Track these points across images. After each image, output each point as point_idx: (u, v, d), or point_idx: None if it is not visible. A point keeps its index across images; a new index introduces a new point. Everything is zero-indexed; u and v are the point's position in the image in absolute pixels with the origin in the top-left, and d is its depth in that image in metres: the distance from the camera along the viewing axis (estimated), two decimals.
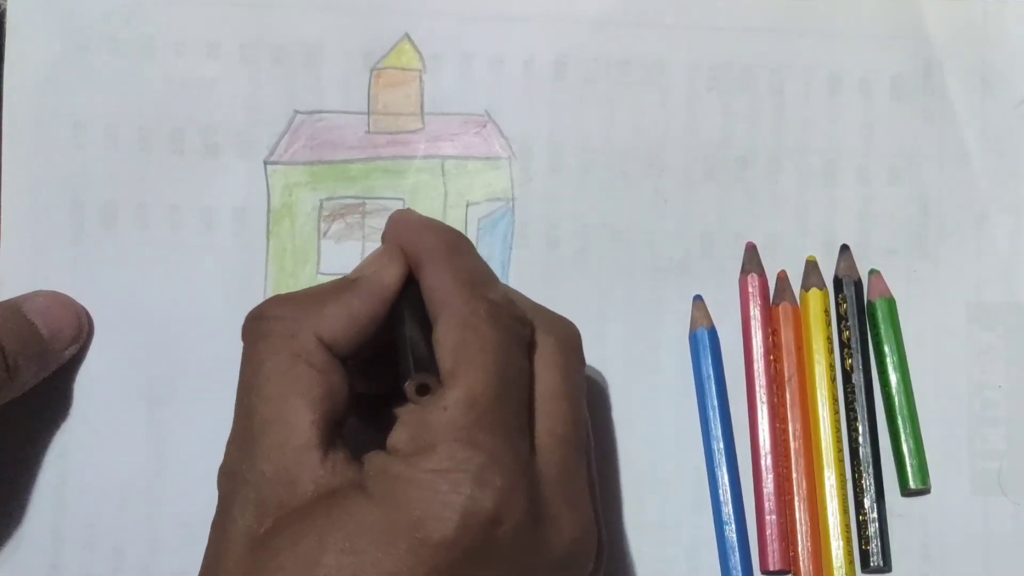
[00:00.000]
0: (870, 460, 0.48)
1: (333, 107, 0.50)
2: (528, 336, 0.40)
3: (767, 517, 0.48)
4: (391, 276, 0.41)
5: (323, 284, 0.41)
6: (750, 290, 0.49)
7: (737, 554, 0.47)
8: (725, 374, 0.49)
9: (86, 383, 0.48)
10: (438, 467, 0.36)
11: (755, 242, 0.50)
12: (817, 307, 0.49)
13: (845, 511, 0.48)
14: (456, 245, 0.41)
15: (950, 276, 0.50)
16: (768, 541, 0.48)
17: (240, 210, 0.49)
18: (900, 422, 0.48)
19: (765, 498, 0.48)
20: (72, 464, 0.48)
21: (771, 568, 0.48)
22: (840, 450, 0.48)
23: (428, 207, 0.49)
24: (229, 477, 0.38)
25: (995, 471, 0.49)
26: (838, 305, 0.49)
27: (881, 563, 0.47)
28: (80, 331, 0.48)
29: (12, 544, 0.48)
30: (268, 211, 0.49)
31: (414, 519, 0.35)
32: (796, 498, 0.48)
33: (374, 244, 0.45)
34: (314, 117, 0.49)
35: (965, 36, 0.50)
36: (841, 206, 0.50)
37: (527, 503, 0.37)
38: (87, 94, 0.49)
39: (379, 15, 0.50)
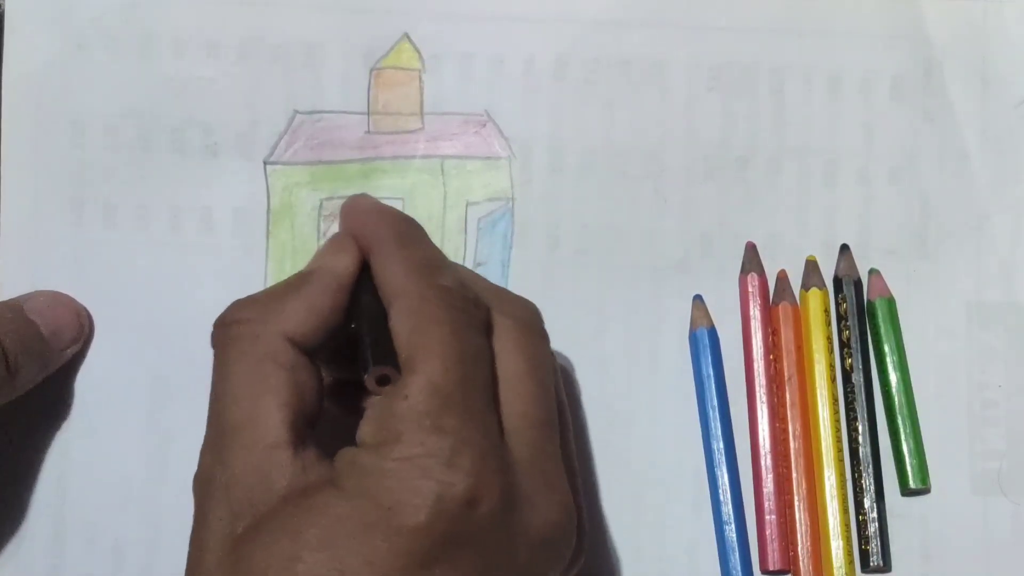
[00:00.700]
0: (870, 460, 0.48)
1: (333, 107, 0.50)
2: (484, 318, 0.40)
3: (767, 517, 0.48)
4: (344, 264, 0.41)
5: (280, 282, 0.42)
6: (750, 290, 0.49)
7: (737, 554, 0.47)
8: (725, 374, 0.49)
9: (86, 383, 0.48)
10: (406, 455, 0.36)
11: (755, 242, 0.50)
12: (817, 307, 0.49)
13: (845, 511, 0.48)
14: (405, 232, 0.41)
15: (950, 276, 0.50)
16: (768, 541, 0.48)
17: (240, 210, 0.49)
18: (900, 422, 0.48)
19: (765, 498, 0.48)
20: (72, 464, 0.48)
21: (771, 568, 0.48)
22: (840, 450, 0.48)
23: (428, 207, 0.49)
24: (203, 483, 0.38)
25: (995, 471, 0.49)
26: (838, 305, 0.49)
27: (881, 563, 0.47)
28: (80, 331, 0.48)
29: (12, 544, 0.48)
30: (268, 211, 0.49)
31: (387, 508, 0.36)
32: (796, 498, 0.48)
33: None
34: (314, 117, 0.49)
35: (965, 36, 0.50)
36: (841, 206, 0.50)
37: (500, 484, 0.37)
38: (86, 93, 0.49)
39: (379, 15, 0.50)
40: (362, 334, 0.40)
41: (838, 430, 0.48)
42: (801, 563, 0.47)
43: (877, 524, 0.48)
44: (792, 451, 0.48)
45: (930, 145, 0.50)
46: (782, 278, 0.49)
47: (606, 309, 0.49)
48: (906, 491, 0.48)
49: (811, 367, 0.49)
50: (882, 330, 0.49)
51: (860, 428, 0.48)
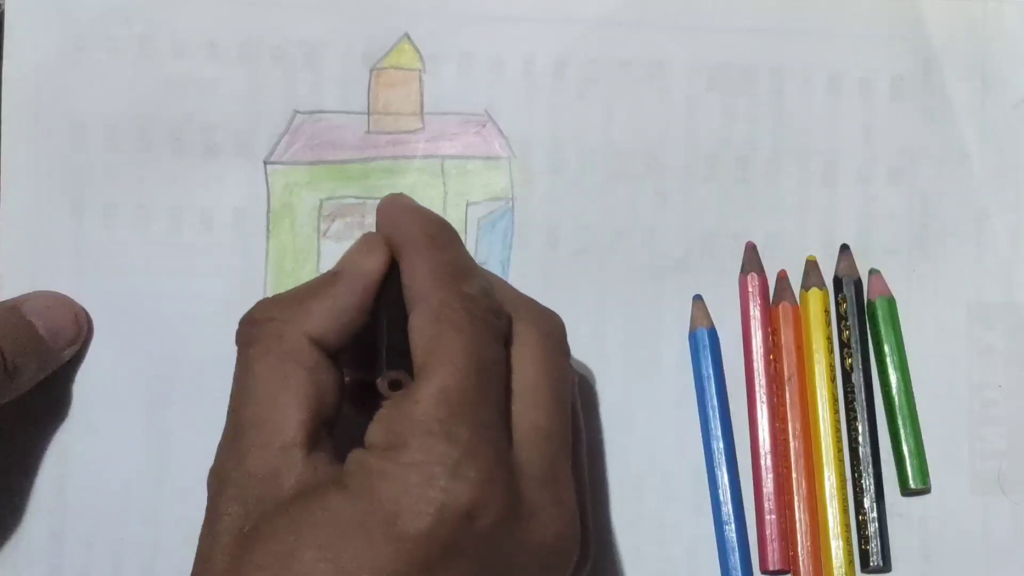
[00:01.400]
0: (870, 460, 0.48)
1: (333, 107, 0.50)
2: (505, 328, 0.40)
3: (767, 517, 0.48)
4: (371, 265, 0.41)
5: (309, 281, 0.41)
6: (750, 290, 0.49)
7: (737, 554, 0.47)
8: (725, 374, 0.49)
9: (86, 383, 0.48)
10: (412, 460, 0.36)
11: (755, 242, 0.50)
12: (817, 307, 0.49)
13: (845, 511, 0.48)
14: (437, 235, 0.41)
15: (950, 276, 0.50)
16: (768, 541, 0.48)
17: (240, 210, 0.49)
18: (900, 422, 0.48)
19: (765, 498, 0.48)
20: (72, 464, 0.48)
21: (771, 568, 0.48)
22: (840, 450, 0.48)
23: (427, 207, 0.49)
24: (217, 478, 0.38)
25: (995, 471, 0.49)
26: (838, 305, 0.49)
27: (881, 563, 0.47)
28: (79, 331, 0.48)
29: (12, 544, 0.48)
30: (268, 211, 0.49)
31: (390, 513, 0.36)
32: (796, 498, 0.48)
33: None
34: (314, 117, 0.49)
35: (965, 36, 0.50)
36: (841, 206, 0.50)
37: (505, 496, 0.37)
38: (86, 94, 0.49)
39: (379, 15, 0.50)
40: (381, 336, 0.40)
41: (838, 430, 0.48)
42: (801, 563, 0.47)
43: (877, 524, 0.48)
44: (792, 451, 0.48)
45: (930, 145, 0.50)
46: (782, 278, 0.49)
47: (606, 309, 0.49)
48: (906, 491, 0.48)
49: (811, 367, 0.49)
50: (882, 330, 0.49)
51: (860, 428, 0.48)
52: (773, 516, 0.48)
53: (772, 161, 0.50)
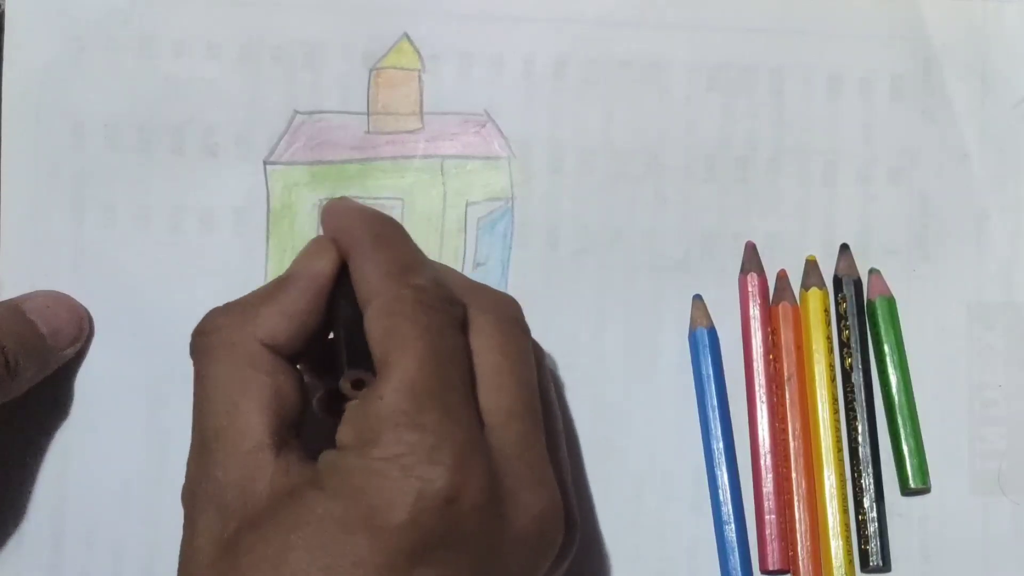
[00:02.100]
0: (870, 460, 0.48)
1: (333, 107, 0.50)
2: (460, 315, 0.40)
3: (766, 517, 0.48)
4: (320, 267, 0.41)
5: (261, 287, 0.41)
6: (750, 289, 0.49)
7: (736, 554, 0.47)
8: (725, 374, 0.49)
9: (86, 383, 0.48)
10: (386, 454, 0.36)
11: (755, 242, 0.50)
12: (817, 306, 0.49)
13: (844, 511, 0.48)
14: (382, 233, 0.41)
15: (950, 276, 0.50)
16: (767, 541, 0.48)
17: (240, 210, 0.49)
18: (900, 422, 0.48)
19: (764, 498, 0.48)
20: (72, 464, 0.48)
21: (770, 568, 0.48)
22: (840, 450, 0.48)
23: (427, 207, 0.49)
24: (190, 492, 0.38)
25: (995, 471, 0.49)
26: (838, 304, 0.49)
27: (880, 563, 0.47)
28: (80, 331, 0.48)
29: (12, 544, 0.48)
30: (268, 211, 0.49)
31: (370, 508, 0.36)
32: (795, 498, 0.48)
33: None
34: (314, 117, 0.50)
35: (965, 36, 0.50)
36: (841, 206, 0.50)
37: (482, 479, 0.37)
38: (87, 94, 0.49)
39: (379, 15, 0.50)
40: (339, 339, 0.40)
41: (838, 430, 0.48)
42: (801, 563, 0.47)
43: (877, 524, 0.48)
44: (792, 451, 0.48)
45: (930, 145, 0.50)
46: (782, 278, 0.49)
47: (606, 309, 0.49)
48: (906, 491, 0.48)
49: (811, 367, 0.49)
50: (882, 330, 0.49)
51: (860, 428, 0.48)
52: (773, 516, 0.48)
53: (772, 161, 0.50)
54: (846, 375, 0.49)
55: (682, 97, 0.50)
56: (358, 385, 0.38)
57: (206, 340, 0.40)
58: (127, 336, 0.48)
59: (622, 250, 0.49)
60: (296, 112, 0.49)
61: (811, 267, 0.49)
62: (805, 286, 0.49)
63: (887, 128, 0.50)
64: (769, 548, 0.48)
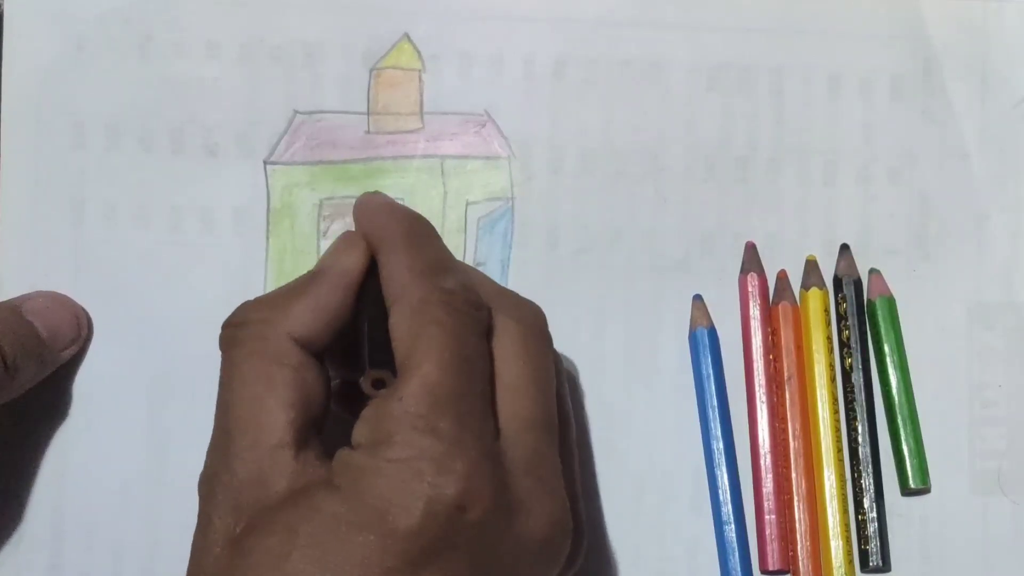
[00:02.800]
0: (869, 460, 0.48)
1: (333, 107, 0.50)
2: (485, 321, 0.40)
3: (766, 517, 0.48)
4: (350, 263, 0.41)
5: (290, 282, 0.41)
6: (750, 289, 0.49)
7: (736, 554, 0.47)
8: (725, 374, 0.49)
9: (86, 383, 0.48)
10: (398, 456, 0.36)
11: (755, 242, 0.50)
12: (817, 306, 0.49)
13: (844, 511, 0.48)
14: (413, 232, 0.41)
15: (950, 276, 0.50)
16: (767, 541, 0.48)
17: (240, 210, 0.49)
18: (900, 422, 0.48)
19: (764, 498, 0.48)
20: (72, 464, 0.48)
21: (770, 568, 0.48)
22: (840, 450, 0.48)
23: (428, 206, 0.49)
24: (207, 483, 0.38)
25: (995, 471, 0.49)
26: (838, 304, 0.49)
27: (880, 563, 0.47)
28: (79, 331, 0.48)
29: (12, 544, 0.48)
30: (268, 211, 0.49)
31: (379, 509, 0.36)
32: (795, 498, 0.48)
33: None
34: (314, 117, 0.50)
35: (965, 36, 0.50)
36: (841, 206, 0.50)
37: (493, 488, 0.37)
38: (86, 94, 0.49)
39: (379, 15, 0.50)
40: (363, 335, 0.40)
41: (838, 430, 0.48)
42: (800, 563, 0.47)
43: (876, 524, 0.48)
44: (792, 451, 0.48)
45: (930, 145, 0.50)
46: (782, 278, 0.49)
47: (606, 309, 0.49)
48: (906, 491, 0.48)
49: (811, 367, 0.49)
50: (882, 330, 0.49)
51: (860, 428, 0.48)
52: (773, 516, 0.48)
53: (772, 161, 0.50)
54: (846, 375, 0.49)
55: (682, 97, 0.50)
56: (378, 384, 0.38)
57: (236, 333, 0.40)
58: (127, 336, 0.48)
59: (622, 250, 0.49)
60: (296, 112, 0.49)
61: (811, 267, 0.49)
62: (805, 286, 0.49)
63: (887, 128, 0.50)
64: (769, 548, 0.48)
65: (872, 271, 0.49)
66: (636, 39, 0.50)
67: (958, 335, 0.49)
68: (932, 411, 0.49)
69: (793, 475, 0.48)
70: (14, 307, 0.46)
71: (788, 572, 0.48)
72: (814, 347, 0.49)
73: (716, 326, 0.49)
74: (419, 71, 0.50)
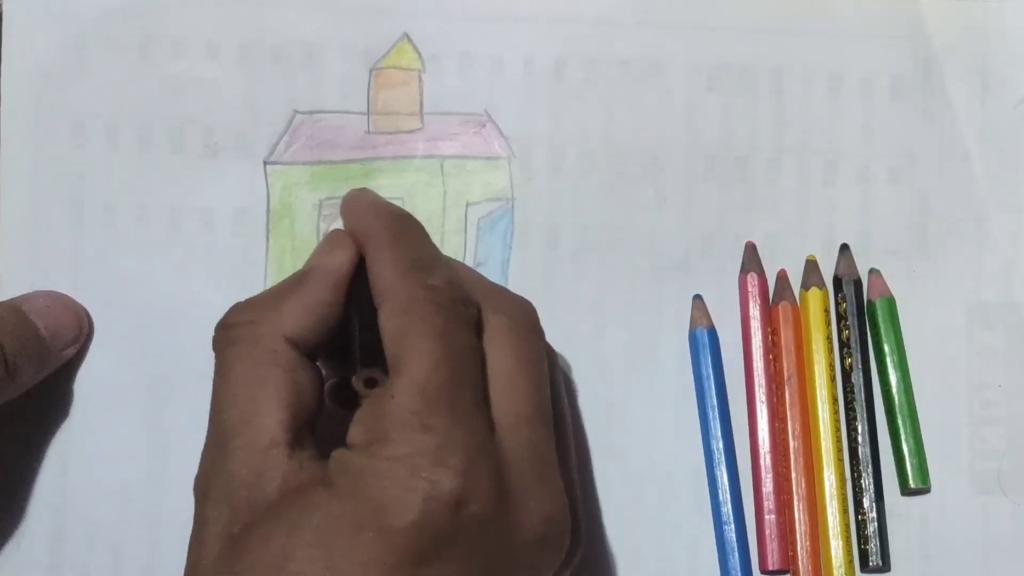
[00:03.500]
0: (869, 460, 0.48)
1: (333, 107, 0.50)
2: (474, 316, 0.40)
3: (766, 517, 0.48)
4: (338, 261, 0.41)
5: (281, 282, 0.42)
6: (750, 289, 0.49)
7: (736, 554, 0.47)
8: (725, 373, 0.49)
9: (86, 383, 0.48)
10: (395, 454, 0.36)
11: (755, 242, 0.50)
12: (817, 306, 0.49)
13: (844, 511, 0.48)
14: (399, 230, 0.41)
15: (950, 276, 0.50)
16: (767, 541, 0.48)
17: (240, 210, 0.49)
18: (900, 422, 0.48)
19: (764, 498, 0.48)
20: (72, 464, 0.48)
21: (770, 568, 0.48)
22: (839, 450, 0.48)
23: (427, 207, 0.49)
24: (202, 484, 0.38)
25: (995, 471, 0.49)
26: (838, 304, 0.49)
27: (880, 563, 0.47)
28: (80, 331, 0.48)
29: (12, 544, 0.48)
30: (268, 211, 0.49)
31: (378, 507, 0.36)
32: (795, 498, 0.48)
33: None
34: (314, 117, 0.50)
35: (965, 36, 0.50)
36: (841, 206, 0.50)
37: (490, 482, 0.37)
38: (86, 94, 0.49)
39: (379, 15, 0.50)
40: (354, 335, 0.40)
41: (838, 430, 0.48)
42: (800, 563, 0.47)
43: (876, 524, 0.48)
44: (792, 451, 0.48)
45: (930, 145, 0.50)
46: (782, 278, 0.49)
47: (606, 309, 0.49)
48: (906, 491, 0.48)
49: (811, 367, 0.49)
50: (882, 330, 0.49)
51: (860, 428, 0.48)
52: (772, 516, 0.48)
53: (772, 161, 0.50)
54: (846, 375, 0.49)
55: (682, 97, 0.50)
56: (370, 383, 0.38)
57: (229, 334, 0.40)
58: (127, 336, 0.48)
59: (622, 250, 0.49)
60: (296, 112, 0.49)
61: (811, 267, 0.49)
62: (805, 286, 0.49)
63: (887, 128, 0.50)
64: (769, 548, 0.48)
65: (872, 271, 0.50)
66: (636, 39, 0.50)
67: (958, 335, 0.49)
68: (932, 411, 0.49)
69: (793, 475, 0.48)
70: (15, 306, 0.46)
71: (788, 572, 0.48)
72: (814, 347, 0.49)
73: (716, 326, 0.49)
74: (419, 71, 0.50)
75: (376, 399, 0.38)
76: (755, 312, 0.49)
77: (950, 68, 0.50)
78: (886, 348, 0.49)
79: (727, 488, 0.48)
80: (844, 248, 0.50)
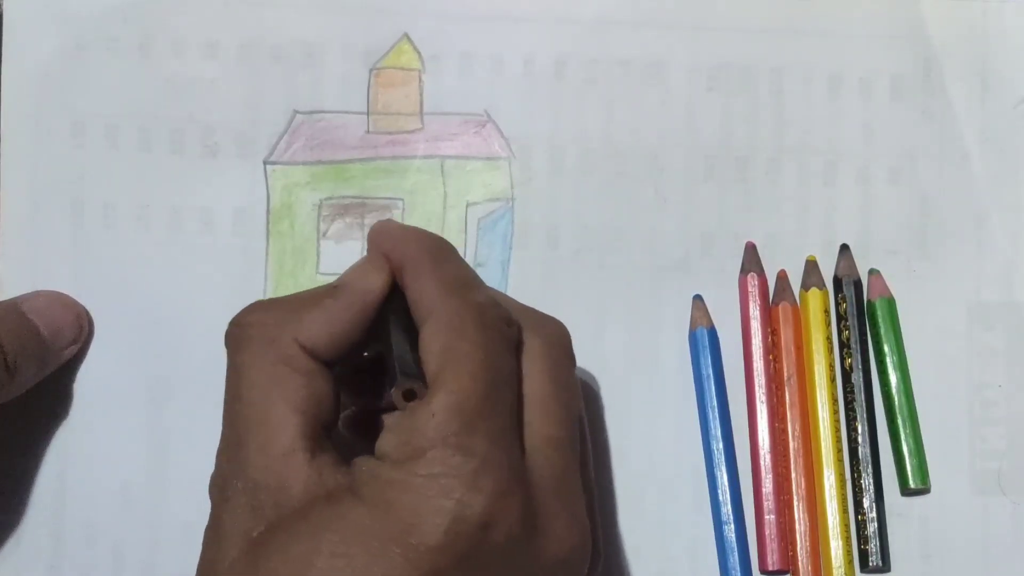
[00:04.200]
0: (869, 460, 0.48)
1: (333, 107, 0.50)
2: (515, 337, 0.40)
3: (766, 517, 0.48)
4: (374, 284, 0.40)
5: (307, 290, 0.41)
6: (750, 290, 0.49)
7: (736, 554, 0.47)
8: (725, 374, 0.49)
9: (86, 383, 0.48)
10: (429, 472, 0.36)
11: (755, 242, 0.50)
12: (817, 307, 0.49)
13: (844, 511, 0.48)
14: (438, 251, 0.41)
15: (950, 276, 0.50)
16: (767, 541, 0.48)
17: (240, 210, 0.49)
18: (900, 422, 0.48)
19: (764, 498, 0.48)
20: (72, 464, 0.48)
21: (770, 568, 0.48)
22: (839, 450, 0.48)
23: (427, 207, 0.49)
24: (219, 485, 0.38)
25: (995, 471, 0.49)
26: (838, 305, 0.49)
27: (880, 563, 0.47)
28: (80, 331, 0.48)
29: (12, 544, 0.48)
30: (268, 211, 0.49)
31: (406, 524, 0.35)
32: (795, 498, 0.48)
33: None
34: (314, 117, 0.50)
35: (965, 36, 0.50)
36: (841, 206, 0.50)
37: (519, 508, 0.37)
38: (86, 94, 0.49)
39: (379, 15, 0.50)
40: (389, 349, 0.39)
41: (838, 430, 0.48)
42: (800, 563, 0.47)
43: (876, 524, 0.48)
44: (791, 451, 0.48)
45: (930, 145, 0.50)
46: (782, 278, 0.49)
47: (606, 309, 0.49)
48: (906, 491, 0.48)
49: (811, 367, 0.49)
50: (882, 330, 0.49)
51: (860, 428, 0.48)
52: (772, 516, 0.48)
53: (772, 161, 0.50)
54: (846, 375, 0.49)
55: (682, 97, 0.50)
56: (409, 396, 0.38)
57: (245, 331, 0.39)
58: (127, 336, 0.48)
59: (622, 250, 0.49)
60: (296, 112, 0.49)
61: (811, 267, 0.49)
62: (805, 286, 0.49)
63: (887, 128, 0.50)
64: (769, 548, 0.48)
65: (872, 271, 0.50)
66: (636, 39, 0.50)
67: (958, 335, 0.49)
68: (932, 411, 0.49)
69: (793, 475, 0.48)
70: (15, 306, 0.46)
71: (788, 572, 0.48)
72: (814, 347, 0.49)
73: (716, 326, 0.49)
74: (419, 71, 0.50)
75: (413, 412, 0.37)
76: (755, 312, 0.49)
77: (950, 68, 0.50)
78: (886, 348, 0.49)
79: (727, 488, 0.48)
80: (844, 248, 0.50)
